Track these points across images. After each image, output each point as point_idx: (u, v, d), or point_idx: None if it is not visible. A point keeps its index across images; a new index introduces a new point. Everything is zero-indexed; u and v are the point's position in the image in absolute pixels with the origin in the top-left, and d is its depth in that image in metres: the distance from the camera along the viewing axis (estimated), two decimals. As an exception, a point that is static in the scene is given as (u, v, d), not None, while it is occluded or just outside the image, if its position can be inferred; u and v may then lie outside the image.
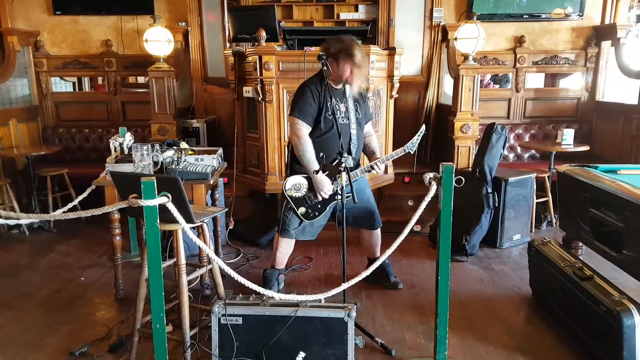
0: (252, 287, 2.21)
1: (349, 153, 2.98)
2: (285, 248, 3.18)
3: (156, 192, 1.95)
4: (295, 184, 2.91)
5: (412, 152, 2.87)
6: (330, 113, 2.83)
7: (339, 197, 2.69)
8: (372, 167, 2.91)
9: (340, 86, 2.94)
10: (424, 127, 2.96)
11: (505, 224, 4.02)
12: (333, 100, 2.84)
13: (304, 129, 2.85)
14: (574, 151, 4.53)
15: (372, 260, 3.23)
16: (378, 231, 3.27)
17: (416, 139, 2.83)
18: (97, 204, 2.30)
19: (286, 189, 2.92)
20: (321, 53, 2.68)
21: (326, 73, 2.69)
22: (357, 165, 3.05)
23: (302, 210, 2.94)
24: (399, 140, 4.85)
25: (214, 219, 3.66)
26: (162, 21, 4.66)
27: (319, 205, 2.94)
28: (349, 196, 2.72)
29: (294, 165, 2.98)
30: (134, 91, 6.04)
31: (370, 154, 3.12)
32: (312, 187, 2.91)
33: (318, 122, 2.88)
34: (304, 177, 2.92)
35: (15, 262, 3.88)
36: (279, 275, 3.27)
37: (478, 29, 4.29)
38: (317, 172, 2.75)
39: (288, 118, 2.90)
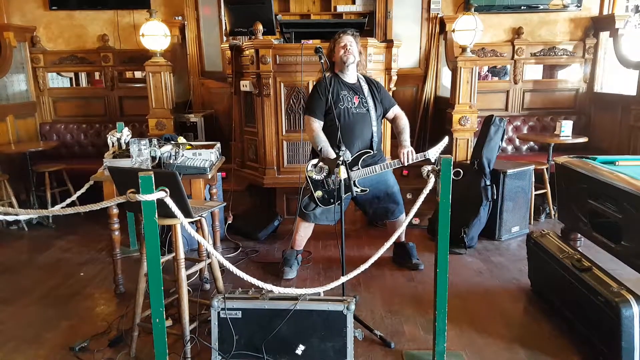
0: (251, 281, 2.21)
1: (371, 147, 3.16)
2: (304, 231, 3.39)
3: (154, 187, 1.95)
4: (317, 166, 3.00)
5: (432, 160, 3.00)
6: (342, 103, 3.08)
7: (356, 189, 2.99)
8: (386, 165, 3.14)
9: (354, 80, 3.19)
10: (446, 138, 3.12)
11: (503, 216, 4.02)
12: (343, 92, 3.09)
13: (316, 123, 3.10)
14: (573, 143, 4.53)
15: (397, 245, 3.51)
16: (399, 220, 3.38)
17: (438, 148, 3.06)
18: (95, 200, 2.30)
19: (307, 169, 3.02)
20: (318, 47, 2.81)
21: (323, 66, 2.80)
22: (380, 155, 3.24)
23: (319, 193, 3.04)
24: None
25: (213, 214, 3.66)
26: (158, 15, 4.63)
27: (335, 193, 2.96)
28: (366, 191, 3.10)
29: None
30: (131, 86, 6.01)
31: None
32: (331, 174, 2.98)
33: (328, 113, 3.05)
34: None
35: (14, 258, 3.88)
36: (297, 255, 3.44)
37: (476, 21, 4.27)
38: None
39: (303, 119, 3.38)
